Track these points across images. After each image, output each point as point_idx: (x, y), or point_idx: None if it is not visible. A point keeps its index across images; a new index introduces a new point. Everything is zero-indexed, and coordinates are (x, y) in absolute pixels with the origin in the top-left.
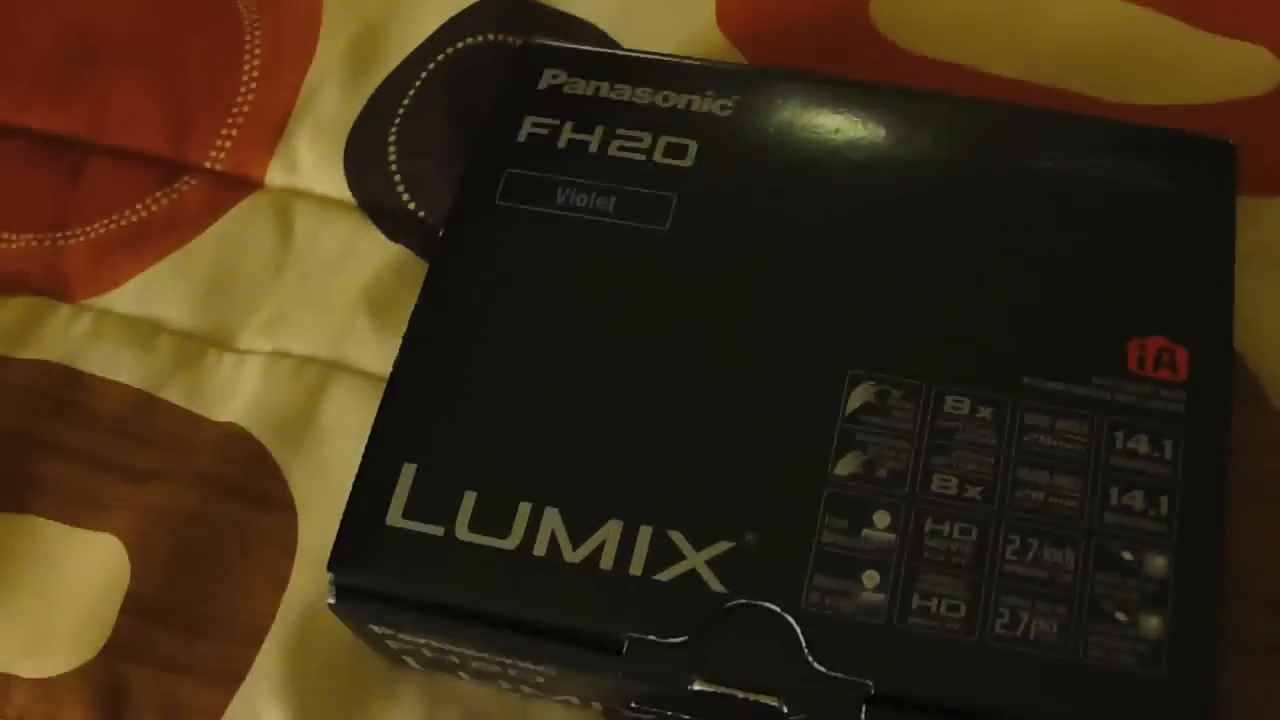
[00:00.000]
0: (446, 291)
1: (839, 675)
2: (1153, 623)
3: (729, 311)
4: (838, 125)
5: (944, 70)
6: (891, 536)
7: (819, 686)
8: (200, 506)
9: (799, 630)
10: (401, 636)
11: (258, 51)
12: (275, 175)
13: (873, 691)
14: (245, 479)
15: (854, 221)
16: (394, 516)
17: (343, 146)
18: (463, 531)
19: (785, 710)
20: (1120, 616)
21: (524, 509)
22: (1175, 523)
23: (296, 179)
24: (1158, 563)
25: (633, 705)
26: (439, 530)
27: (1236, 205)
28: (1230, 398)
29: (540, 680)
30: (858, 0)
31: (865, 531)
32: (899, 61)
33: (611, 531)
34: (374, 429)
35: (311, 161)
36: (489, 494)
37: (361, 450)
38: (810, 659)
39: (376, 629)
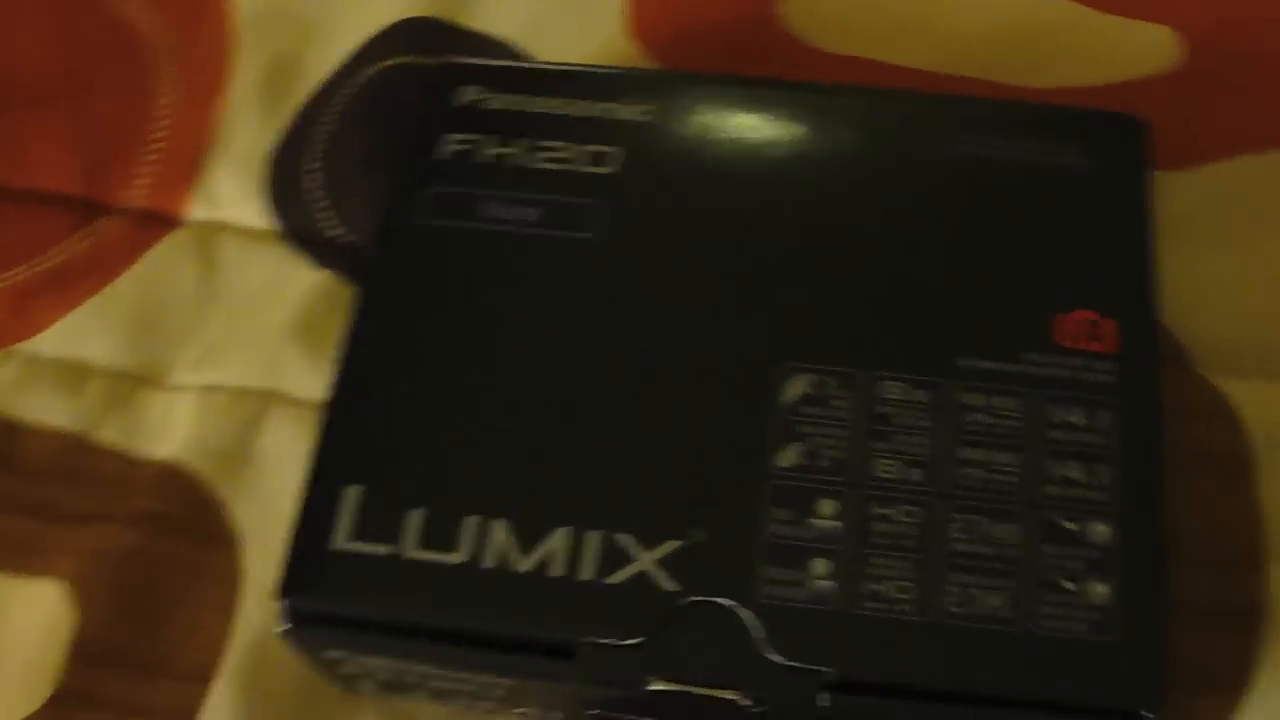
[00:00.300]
0: (377, 312)
1: (796, 665)
2: (1101, 589)
3: (661, 314)
4: (756, 124)
5: (856, 65)
6: (838, 524)
7: (777, 678)
8: (142, 546)
9: (753, 623)
10: (356, 660)
11: (171, 84)
12: (196, 210)
13: (831, 678)
14: (186, 515)
15: (778, 217)
16: (340, 539)
17: (263, 176)
18: (411, 549)
19: (747, 704)
20: (1069, 586)
21: (471, 523)
22: (1116, 490)
23: (218, 212)
24: (1101, 530)
25: (593, 713)
26: (386, 550)
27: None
28: (1160, 364)
29: (499, 693)
30: (766, 1)
31: (811, 521)
32: (811, 60)
33: (560, 539)
34: (314, 454)
35: (232, 194)
36: (435, 510)
37: (302, 478)
38: (767, 651)
39: (330, 654)
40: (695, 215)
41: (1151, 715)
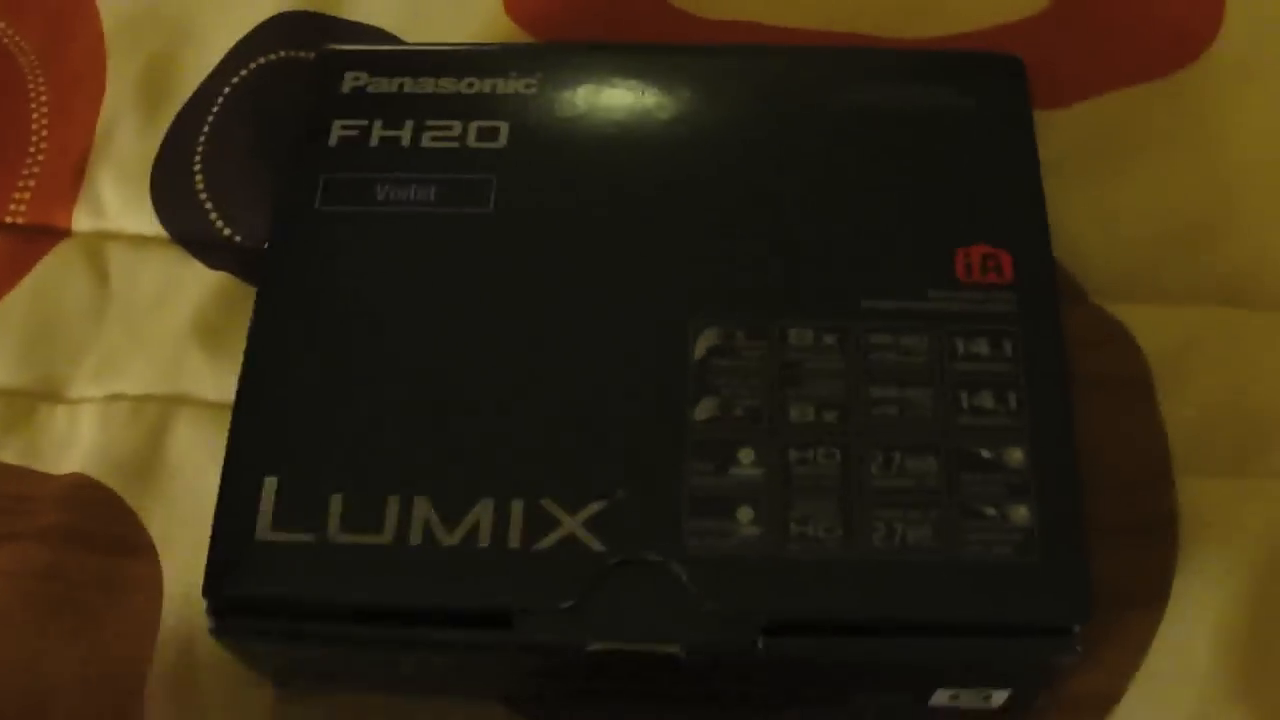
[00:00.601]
0: (280, 303)
1: (730, 612)
2: (1021, 512)
3: (564, 281)
4: (643, 89)
5: (734, 28)
6: (759, 471)
7: (713, 627)
8: (56, 562)
9: (684, 576)
10: (290, 652)
11: (44, 98)
12: (81, 220)
13: (766, 622)
14: (99, 527)
15: (673, 178)
16: (263, 530)
17: (148, 182)
18: (335, 534)
19: (684, 656)
20: (989, 511)
21: (393, 502)
22: (1026, 415)
23: (104, 222)
24: (1016, 455)
25: (533, 687)
26: (310, 537)
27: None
28: (1056, 289)
29: (435, 674)
30: None
31: (732, 470)
32: (689, 26)
33: (484, 510)
34: (228, 449)
35: (117, 202)
36: (355, 493)
37: (215, 479)
38: (700, 602)
39: (261, 648)
40: (587, 182)
41: (1077, 629)
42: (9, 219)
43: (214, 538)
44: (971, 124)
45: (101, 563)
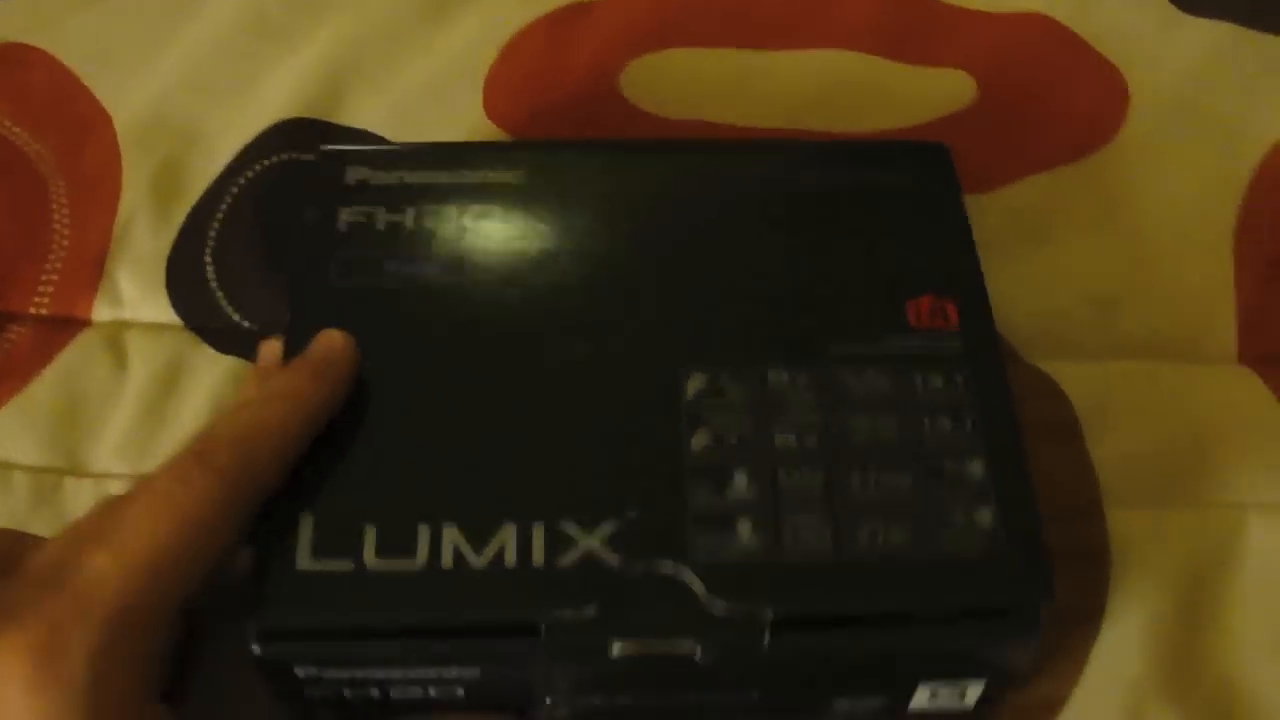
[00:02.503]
0: None
1: (738, 614)
2: (985, 515)
3: (568, 339)
4: (621, 177)
5: (694, 127)
6: (753, 490)
7: (724, 628)
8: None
9: (694, 582)
10: (326, 675)
11: (64, 200)
12: (101, 311)
13: (769, 619)
14: None
15: (656, 251)
16: (303, 561)
17: (163, 274)
18: (371, 561)
19: (698, 657)
20: (957, 515)
21: (424, 530)
22: (980, 432)
23: (122, 312)
24: (975, 466)
25: (550, 702)
26: (348, 565)
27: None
28: (995, 329)
29: (462, 693)
30: (608, 76)
31: (729, 491)
32: (652, 126)
33: (508, 533)
34: None
35: (134, 293)
36: (388, 524)
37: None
38: (709, 605)
39: (300, 672)
40: (581, 255)
41: (1043, 608)
42: (33, 310)
43: (257, 568)
44: (909, 198)
45: None
